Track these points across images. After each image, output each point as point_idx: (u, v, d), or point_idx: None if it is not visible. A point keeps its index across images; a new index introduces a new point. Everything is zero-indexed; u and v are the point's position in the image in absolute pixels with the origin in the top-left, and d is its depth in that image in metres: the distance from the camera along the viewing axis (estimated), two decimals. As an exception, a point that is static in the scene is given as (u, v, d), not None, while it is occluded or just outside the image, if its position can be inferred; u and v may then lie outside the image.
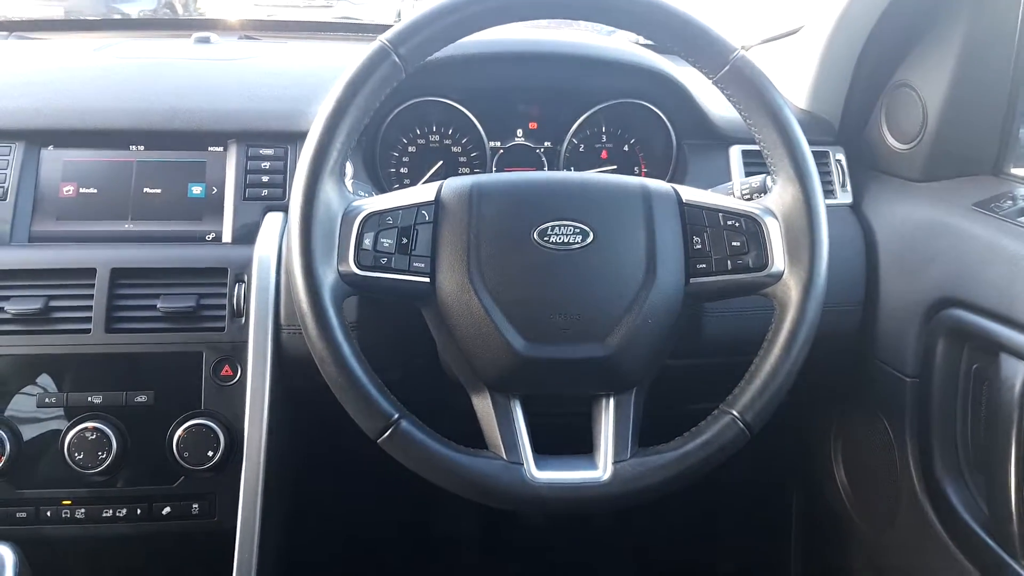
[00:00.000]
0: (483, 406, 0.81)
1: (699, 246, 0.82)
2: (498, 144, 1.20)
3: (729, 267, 0.82)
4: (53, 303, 0.94)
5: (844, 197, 1.14)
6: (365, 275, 0.79)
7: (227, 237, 1.05)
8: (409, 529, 1.49)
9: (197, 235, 1.05)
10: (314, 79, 1.16)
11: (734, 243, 0.82)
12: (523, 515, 1.38)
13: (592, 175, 0.88)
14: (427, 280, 0.80)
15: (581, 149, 1.21)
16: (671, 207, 0.84)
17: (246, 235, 1.03)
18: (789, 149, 0.81)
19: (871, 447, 1.15)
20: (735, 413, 0.78)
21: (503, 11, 0.81)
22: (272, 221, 1.03)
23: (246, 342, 0.95)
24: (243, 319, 0.96)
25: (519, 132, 1.22)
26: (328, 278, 0.77)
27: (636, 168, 1.23)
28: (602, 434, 0.80)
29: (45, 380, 0.94)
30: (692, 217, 0.83)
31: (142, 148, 1.06)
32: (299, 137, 1.08)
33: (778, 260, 0.81)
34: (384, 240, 0.79)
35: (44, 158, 1.05)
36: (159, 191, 1.06)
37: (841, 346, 1.07)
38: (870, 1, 1.07)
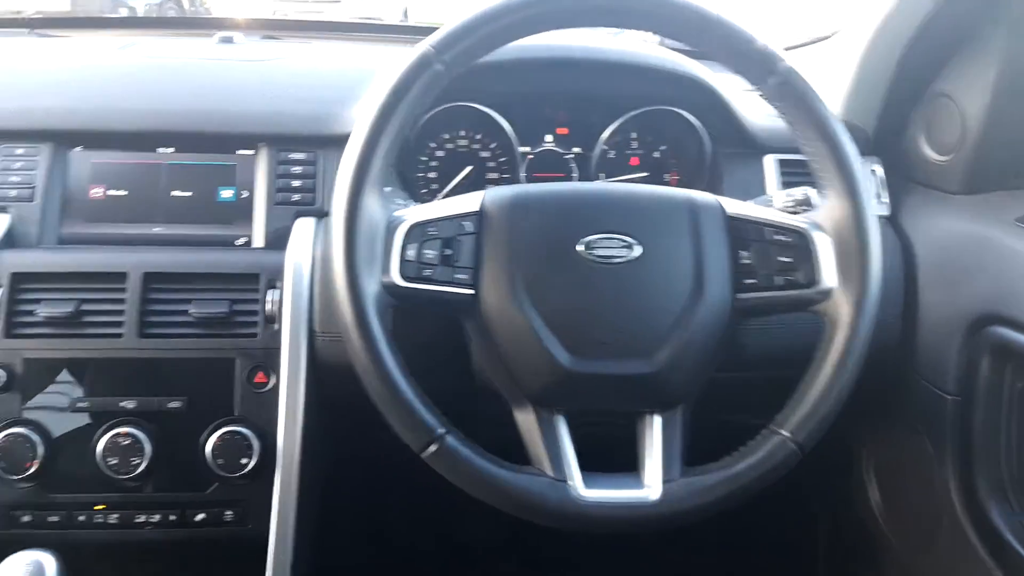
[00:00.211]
0: (526, 420, 0.80)
1: (746, 261, 0.81)
2: (527, 149, 1.19)
3: (778, 283, 0.81)
4: (84, 307, 0.93)
5: (881, 209, 1.13)
6: (408, 286, 0.78)
7: (258, 242, 1.04)
8: (440, 537, 1.48)
9: (227, 239, 1.04)
10: (343, 81, 1.15)
11: (782, 258, 0.81)
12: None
13: (637, 186, 0.87)
14: (470, 292, 0.79)
15: (611, 155, 1.20)
16: (717, 220, 0.83)
17: (277, 240, 1.02)
18: (840, 164, 0.80)
19: (909, 466, 1.13)
20: (786, 433, 0.77)
21: (548, 18, 0.80)
22: (303, 226, 1.02)
23: (279, 349, 0.95)
24: (276, 325, 0.95)
25: (548, 138, 1.21)
26: (371, 289, 0.76)
27: (667, 176, 1.22)
28: (649, 452, 0.79)
29: (77, 384, 0.93)
30: (738, 231, 0.82)
31: (171, 150, 1.05)
32: (330, 141, 1.08)
33: (828, 277, 0.80)
34: (427, 251, 0.78)
35: (72, 160, 1.04)
36: (189, 194, 1.05)
37: (878, 360, 1.06)
38: (911, 9, 1.06)
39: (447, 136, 1.19)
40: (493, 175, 1.20)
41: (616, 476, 0.78)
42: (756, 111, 1.19)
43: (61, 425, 0.92)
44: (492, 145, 1.19)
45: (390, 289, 0.77)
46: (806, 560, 1.44)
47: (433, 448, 0.74)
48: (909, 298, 1.06)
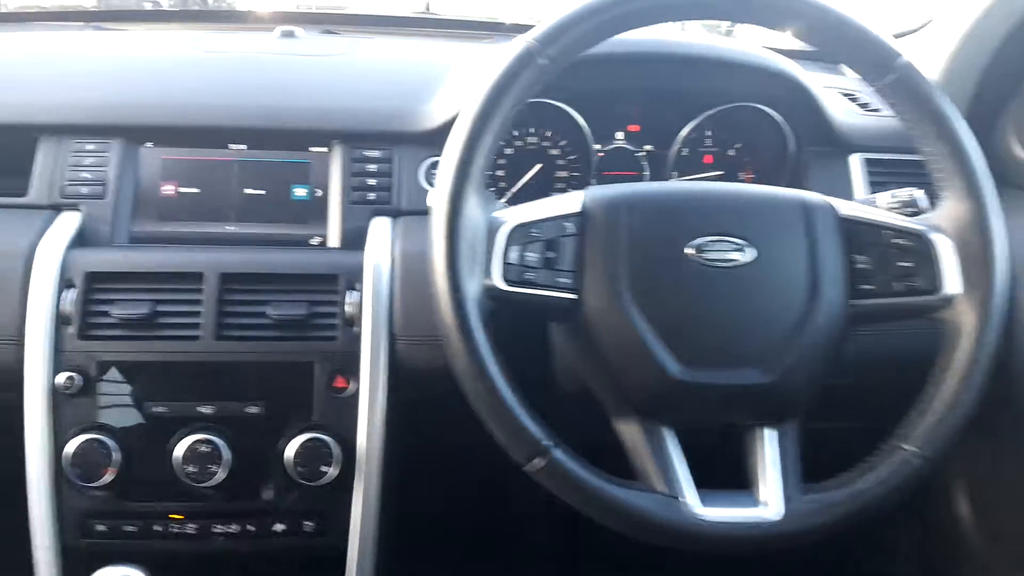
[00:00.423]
0: (631, 433, 0.76)
1: (862, 265, 0.77)
2: (598, 147, 1.15)
3: (897, 289, 0.76)
4: (160, 308, 0.90)
5: None
6: (510, 290, 0.74)
7: (333, 241, 1.00)
8: (519, 540, 1.44)
9: (301, 239, 1.01)
10: (416, 77, 1.11)
11: (901, 263, 0.76)
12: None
13: (747, 186, 0.83)
14: (573, 296, 0.75)
15: (684, 153, 1.16)
16: (830, 222, 0.78)
17: (354, 240, 0.99)
18: (962, 163, 0.76)
19: (1013, 483, 1.08)
20: (912, 448, 0.73)
21: (655, 11, 0.76)
22: (380, 226, 0.99)
23: (359, 353, 0.91)
24: (356, 328, 0.92)
25: (619, 135, 1.17)
26: (473, 292, 0.73)
27: (741, 174, 1.18)
28: (763, 468, 0.75)
29: (153, 388, 0.90)
30: (852, 233, 0.78)
31: (243, 147, 1.02)
32: (405, 138, 1.05)
33: (951, 282, 0.76)
34: (530, 254, 0.75)
35: (143, 156, 1.01)
36: (262, 192, 1.02)
37: None
38: (1011, 5, 1.01)
39: (516, 133, 1.15)
40: (562, 173, 1.17)
41: (731, 493, 0.74)
42: (842, 109, 1.15)
43: (137, 431, 0.89)
44: (562, 143, 1.15)
45: (491, 293, 0.74)
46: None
47: (540, 462, 0.71)
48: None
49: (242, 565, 0.92)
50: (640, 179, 1.17)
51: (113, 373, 0.89)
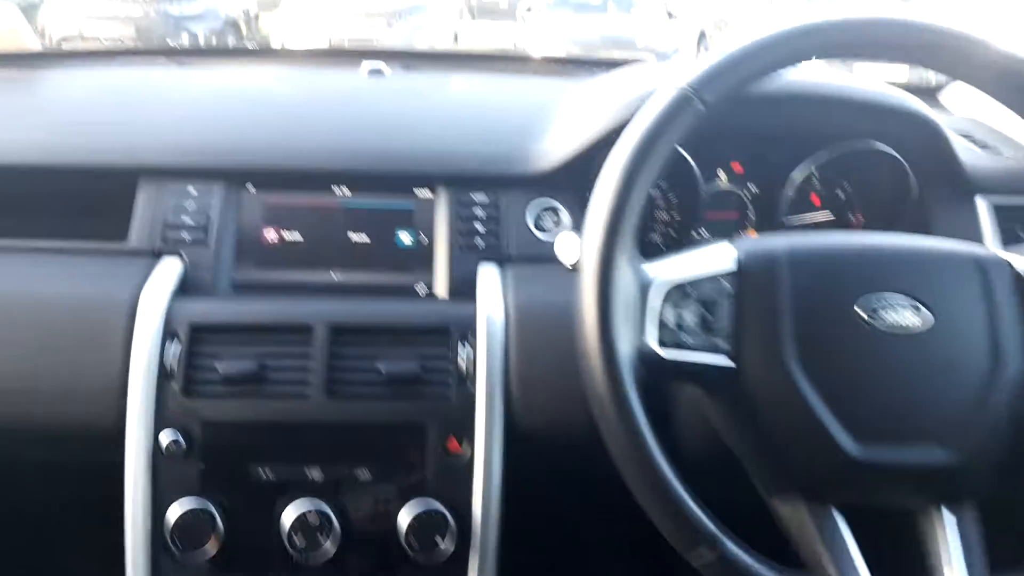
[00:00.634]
0: (795, 514, 0.69)
1: None
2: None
3: None
4: (267, 362, 0.85)
5: None
6: (667, 356, 0.68)
7: (441, 291, 0.95)
8: None
9: (407, 287, 0.96)
10: (519, 117, 1.07)
11: None
12: None
13: (917, 239, 0.77)
14: (730, 363, 0.69)
15: (790, 194, 1.10)
16: (1007, 280, 0.72)
17: (462, 288, 0.93)
18: None
19: None
20: None
21: (825, 47, 0.71)
22: (489, 275, 0.93)
23: (474, 412, 0.85)
24: (470, 385, 0.86)
25: (721, 175, 1.11)
26: (627, 358, 0.67)
27: (850, 216, 1.12)
28: (947, 556, 0.68)
29: (259, 450, 0.84)
30: None
31: (347, 191, 0.98)
32: (513, 182, 1.00)
33: None
34: (686, 315, 0.69)
35: (245, 200, 0.96)
36: (366, 238, 0.97)
37: None
38: None
39: None
40: (664, 215, 1.11)
41: None
42: (961, 147, 1.09)
43: (242, 497, 0.83)
44: (662, 183, 1.10)
45: (646, 357, 0.68)
46: None
47: (708, 554, 0.64)
48: None
49: None
50: (745, 222, 1.11)
51: (218, 434, 0.84)
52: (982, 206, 1.03)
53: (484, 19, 11.10)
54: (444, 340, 0.88)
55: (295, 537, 0.80)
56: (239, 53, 1.51)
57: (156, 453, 0.83)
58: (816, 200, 1.11)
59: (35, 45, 1.36)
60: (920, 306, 0.69)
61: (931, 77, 1.35)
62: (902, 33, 0.71)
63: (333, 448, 0.85)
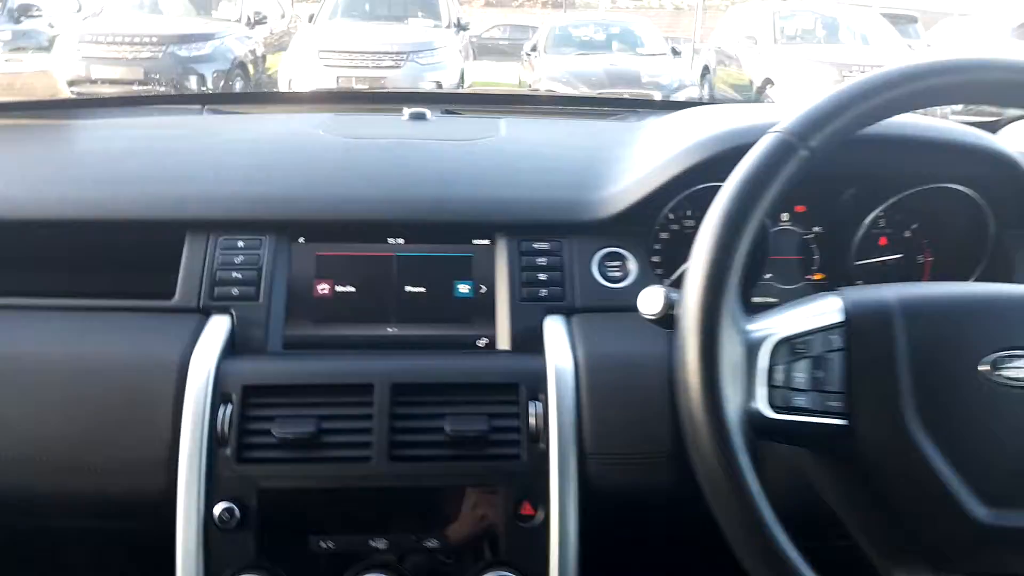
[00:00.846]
0: None
1: None
2: None
3: None
4: (325, 424, 0.80)
5: None
6: (777, 419, 0.63)
7: (503, 343, 0.90)
8: None
9: (467, 340, 0.91)
10: (576, 161, 1.04)
11: None
12: None
13: None
14: (843, 423, 0.64)
15: (860, 235, 1.06)
16: None
17: (525, 341, 0.89)
18: None
19: None
20: None
21: (928, 94, 0.67)
22: (555, 327, 0.89)
23: (547, 473, 0.80)
24: (542, 445, 0.81)
25: (783, 216, 1.07)
26: (737, 424, 0.62)
27: (919, 257, 1.08)
28: None
29: (319, 519, 0.79)
30: None
31: (401, 241, 0.94)
32: (576, 228, 0.96)
33: None
34: (797, 373, 0.64)
35: (295, 253, 0.92)
36: (422, 290, 0.92)
37: None
38: None
39: (671, 216, 1.06)
40: None
41: None
42: None
43: (302, 570, 0.78)
44: None
45: (756, 422, 0.63)
46: None
47: None
48: None
49: None
50: (810, 262, 1.07)
51: (275, 503, 0.79)
52: None
53: (485, 59, 11.24)
54: (512, 396, 0.83)
55: None
56: (269, 98, 1.48)
57: (209, 524, 0.78)
58: (883, 241, 1.07)
59: (65, 90, 1.33)
60: None
61: (987, 111, 1.32)
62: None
63: (397, 515, 0.80)
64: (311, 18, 8.34)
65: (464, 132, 1.15)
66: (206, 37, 7.38)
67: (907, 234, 1.07)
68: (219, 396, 0.80)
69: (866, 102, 0.66)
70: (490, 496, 0.80)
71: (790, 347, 0.65)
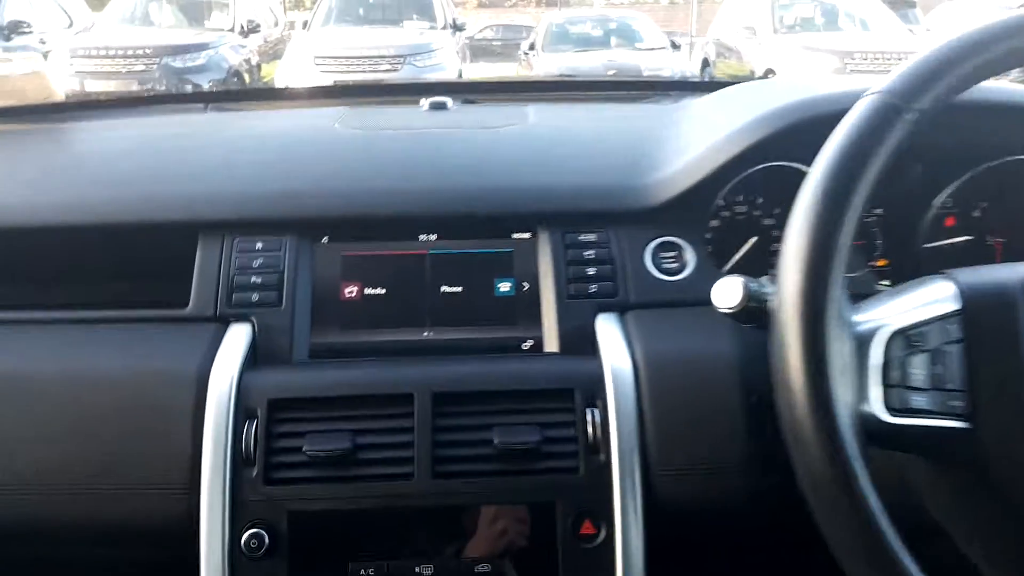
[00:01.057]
0: None
1: None
2: None
3: None
4: (360, 439, 0.72)
5: None
6: (894, 422, 0.56)
7: (551, 345, 0.83)
8: None
9: (511, 343, 0.83)
10: (620, 146, 0.96)
11: None
12: None
13: None
14: (965, 425, 0.57)
15: (930, 217, 0.98)
16: None
17: (575, 342, 0.81)
18: None
19: None
20: None
21: None
22: (609, 326, 0.81)
23: (609, 487, 0.72)
24: (602, 456, 0.73)
25: None
26: (851, 430, 0.54)
27: (990, 239, 1.00)
28: None
29: (357, 544, 0.72)
30: None
31: (434, 238, 0.86)
32: (625, 217, 0.88)
33: None
34: (914, 370, 0.57)
35: (319, 254, 0.85)
36: (459, 290, 0.85)
37: None
38: None
39: (722, 203, 0.98)
40: (777, 246, 0.99)
41: None
42: None
43: None
44: (776, 211, 0.98)
45: (870, 426, 0.56)
46: None
47: None
48: None
49: None
50: (872, 246, 0.99)
51: (307, 527, 0.71)
52: None
53: (480, 61, 11.19)
54: (567, 403, 0.75)
55: None
56: (277, 95, 1.40)
57: (235, 552, 0.70)
58: (950, 221, 1.00)
59: (59, 90, 1.26)
60: None
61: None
62: None
63: (444, 537, 0.72)
64: (305, 24, 8.30)
65: (491, 120, 1.07)
66: (200, 47, 7.34)
67: (976, 214, 0.99)
68: (242, 412, 0.73)
69: (978, 56, 0.59)
70: (547, 514, 0.72)
71: (905, 340, 0.58)
